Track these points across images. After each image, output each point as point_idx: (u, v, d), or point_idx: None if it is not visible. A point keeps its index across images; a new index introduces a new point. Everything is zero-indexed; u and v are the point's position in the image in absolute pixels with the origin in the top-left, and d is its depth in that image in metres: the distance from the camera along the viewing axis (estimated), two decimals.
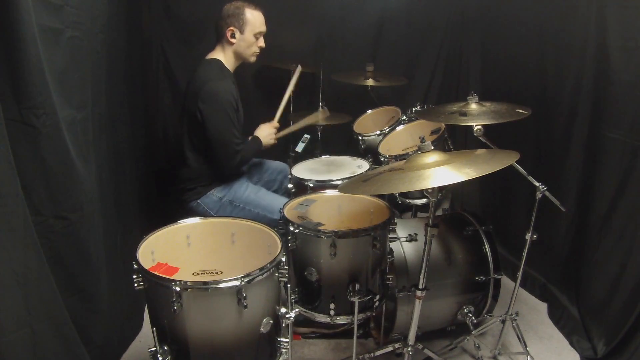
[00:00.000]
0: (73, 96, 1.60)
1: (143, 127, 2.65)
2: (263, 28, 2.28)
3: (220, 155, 2.19)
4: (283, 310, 1.49)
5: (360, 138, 2.81)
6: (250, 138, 2.38)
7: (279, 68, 3.00)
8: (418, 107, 2.71)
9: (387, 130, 2.70)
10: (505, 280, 2.40)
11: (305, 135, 2.95)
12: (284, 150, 3.08)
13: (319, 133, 3.12)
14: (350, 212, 2.05)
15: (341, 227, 1.88)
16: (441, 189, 1.58)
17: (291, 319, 1.50)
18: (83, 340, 1.59)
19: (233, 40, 2.23)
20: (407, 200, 2.58)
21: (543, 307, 2.56)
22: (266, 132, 2.42)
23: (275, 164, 2.67)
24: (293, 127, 2.64)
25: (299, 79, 2.63)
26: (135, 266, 1.37)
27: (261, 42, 2.30)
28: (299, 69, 2.64)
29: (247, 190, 2.31)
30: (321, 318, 1.82)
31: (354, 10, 3.17)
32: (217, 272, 1.59)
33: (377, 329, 2.23)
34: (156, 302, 1.38)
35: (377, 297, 1.84)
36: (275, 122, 2.49)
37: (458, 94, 3.38)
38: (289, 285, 1.53)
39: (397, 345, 1.97)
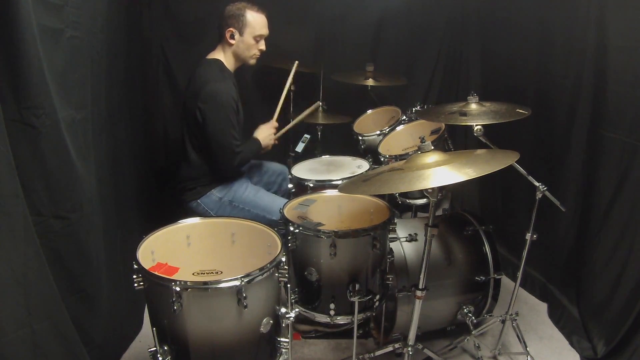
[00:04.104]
0: (73, 96, 1.60)
1: (143, 127, 2.65)
2: (264, 31, 2.27)
3: (219, 157, 2.19)
4: (283, 310, 1.49)
5: (360, 138, 2.81)
6: (249, 139, 2.38)
7: (279, 68, 3.00)
8: (418, 107, 2.71)
9: (387, 130, 2.69)
10: (505, 280, 2.40)
11: (305, 135, 2.95)
12: (283, 150, 3.08)
13: (319, 133, 3.12)
14: (350, 212, 2.04)
15: (341, 227, 1.88)
16: (441, 189, 1.58)
17: (291, 319, 1.50)
18: (83, 340, 1.59)
19: (232, 42, 2.23)
20: (407, 200, 2.57)
21: (543, 307, 2.56)
22: (265, 134, 2.41)
23: (275, 166, 2.67)
24: (292, 123, 2.64)
25: (295, 76, 2.63)
26: (135, 266, 1.37)
27: (262, 45, 2.29)
28: (295, 64, 2.66)
29: (246, 190, 2.32)
30: (321, 318, 1.82)
31: (354, 10, 3.17)
32: (217, 272, 1.59)
33: (377, 329, 2.23)
34: (156, 302, 1.38)
35: (377, 297, 1.84)
36: (274, 122, 2.48)
37: (458, 94, 3.38)
38: (289, 285, 1.53)
39: (397, 345, 1.97)
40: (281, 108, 2.55)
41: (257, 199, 2.29)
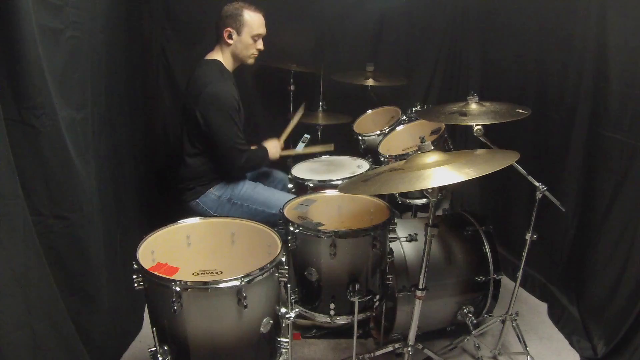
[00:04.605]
0: (73, 96, 1.60)
1: (143, 127, 2.65)
2: (261, 30, 2.27)
3: (226, 157, 2.18)
4: (283, 310, 1.49)
5: (360, 138, 2.81)
6: (257, 146, 2.39)
7: (278, 68, 3.00)
8: (418, 107, 2.71)
9: (387, 130, 2.70)
10: (505, 280, 2.40)
11: (305, 135, 2.95)
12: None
13: (319, 133, 3.12)
14: (350, 212, 2.04)
15: (341, 227, 1.88)
16: (441, 189, 1.58)
17: (291, 319, 1.50)
18: (83, 340, 1.60)
19: (230, 41, 2.23)
20: (407, 200, 2.58)
21: (543, 307, 2.56)
22: (273, 144, 2.46)
23: (276, 173, 2.67)
24: (288, 130, 2.66)
25: (295, 77, 2.65)
26: (135, 266, 1.37)
27: (259, 45, 2.29)
28: (302, 107, 2.75)
29: (244, 186, 2.31)
30: (321, 318, 1.82)
31: (354, 10, 3.17)
32: (217, 272, 1.59)
33: (377, 329, 2.23)
34: (156, 302, 1.38)
35: (377, 297, 1.84)
36: (281, 142, 2.54)
37: (458, 94, 3.38)
38: (289, 285, 1.53)
39: (397, 345, 1.97)
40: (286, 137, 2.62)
41: (255, 194, 2.29)
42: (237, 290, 1.31)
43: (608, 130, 2.05)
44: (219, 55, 2.27)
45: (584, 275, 2.26)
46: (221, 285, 1.30)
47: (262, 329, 1.40)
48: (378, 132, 2.73)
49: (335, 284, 1.76)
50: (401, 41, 3.32)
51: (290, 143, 3.07)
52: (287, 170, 2.59)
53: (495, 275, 2.11)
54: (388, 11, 3.21)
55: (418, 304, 1.67)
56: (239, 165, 2.20)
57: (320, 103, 3.08)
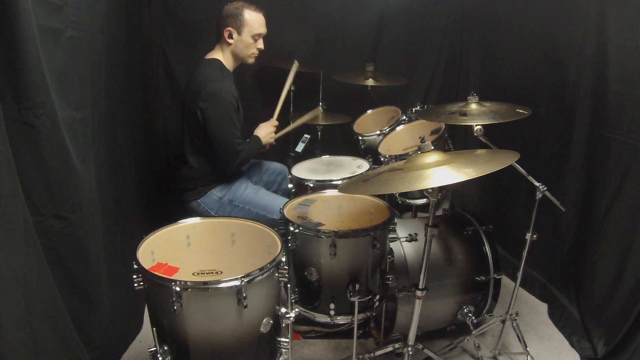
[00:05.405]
0: (72, 96, 1.60)
1: (143, 127, 2.65)
2: (262, 30, 2.27)
3: (222, 156, 2.19)
4: (283, 310, 1.49)
5: (360, 138, 2.81)
6: (250, 138, 2.38)
7: (279, 68, 3.00)
8: (418, 107, 2.71)
9: (387, 130, 2.70)
10: (505, 280, 2.40)
11: (305, 135, 2.96)
12: (283, 150, 3.08)
13: (319, 133, 3.12)
14: (350, 212, 2.04)
15: (341, 227, 1.87)
16: (441, 189, 1.58)
17: (291, 319, 1.50)
18: (83, 340, 1.60)
19: (230, 41, 2.23)
20: (407, 200, 2.58)
21: (543, 307, 2.56)
22: (266, 132, 2.42)
23: (275, 165, 2.67)
24: (292, 126, 2.64)
25: (296, 75, 2.63)
26: (135, 266, 1.37)
27: (260, 44, 2.29)
28: (295, 64, 2.66)
29: (246, 190, 2.32)
30: (321, 318, 1.81)
31: (354, 10, 3.17)
32: (217, 272, 1.59)
33: (377, 329, 2.23)
34: (156, 302, 1.38)
35: (377, 297, 1.84)
36: (274, 121, 2.49)
37: (458, 94, 3.38)
38: (289, 285, 1.53)
39: (397, 345, 1.97)
40: (281, 107, 2.55)
41: (257, 198, 2.29)
42: (237, 290, 1.31)
43: (608, 130, 2.05)
44: (219, 54, 2.28)
45: (584, 275, 2.26)
46: (221, 285, 1.30)
47: (262, 329, 1.40)
48: (378, 132, 2.73)
49: (335, 284, 1.76)
50: (401, 41, 3.32)
51: (290, 142, 3.08)
52: (284, 162, 2.60)
53: (495, 275, 2.11)
54: (388, 11, 3.21)
55: (418, 304, 1.67)
56: (233, 163, 2.21)
57: (320, 103, 3.09)
